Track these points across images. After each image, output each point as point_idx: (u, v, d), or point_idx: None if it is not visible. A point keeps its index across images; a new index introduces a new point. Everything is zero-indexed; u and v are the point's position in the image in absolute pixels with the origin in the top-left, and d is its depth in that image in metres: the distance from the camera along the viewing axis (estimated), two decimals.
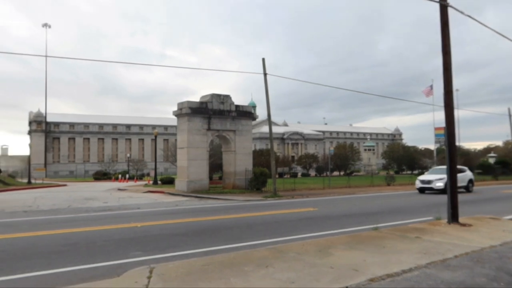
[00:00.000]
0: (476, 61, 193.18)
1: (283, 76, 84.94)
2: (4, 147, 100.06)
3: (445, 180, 17.36)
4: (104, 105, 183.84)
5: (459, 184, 18.40)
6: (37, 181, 47.71)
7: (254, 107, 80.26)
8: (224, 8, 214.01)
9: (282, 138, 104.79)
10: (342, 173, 67.88)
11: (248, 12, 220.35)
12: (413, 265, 6.23)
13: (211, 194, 24.14)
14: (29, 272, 6.62)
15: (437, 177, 24.09)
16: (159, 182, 37.57)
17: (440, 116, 78.00)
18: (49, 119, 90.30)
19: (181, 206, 18.19)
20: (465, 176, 25.80)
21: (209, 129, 26.77)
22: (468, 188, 25.77)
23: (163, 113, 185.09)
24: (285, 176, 46.86)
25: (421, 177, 25.82)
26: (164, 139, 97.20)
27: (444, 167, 21.15)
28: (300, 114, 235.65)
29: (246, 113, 28.89)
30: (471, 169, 57.53)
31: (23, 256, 7.83)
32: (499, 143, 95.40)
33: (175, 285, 5.29)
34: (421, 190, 24.95)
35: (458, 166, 20.29)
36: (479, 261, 6.60)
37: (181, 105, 26.85)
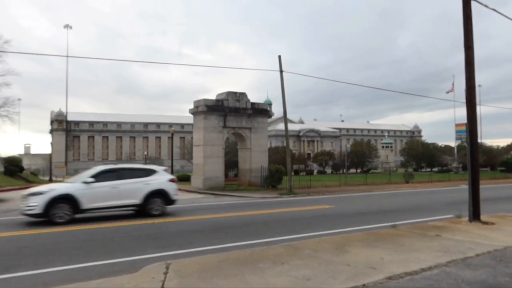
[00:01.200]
0: (500, 56, 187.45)
1: (299, 73, 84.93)
2: (27, 145, 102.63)
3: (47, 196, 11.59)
4: (122, 104, 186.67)
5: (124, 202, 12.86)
6: (58, 179, 48.73)
7: (270, 104, 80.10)
8: (240, 7, 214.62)
9: (298, 136, 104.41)
10: (359, 170, 67.20)
11: (264, 10, 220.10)
12: (432, 264, 6.09)
13: (226, 191, 24.21)
14: (51, 267, 6.76)
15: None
16: None
17: (461, 113, 76.36)
18: (69, 118, 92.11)
19: (197, 203, 18.30)
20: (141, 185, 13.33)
21: (224, 126, 26.83)
22: (148, 210, 13.24)
23: (180, 111, 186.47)
24: (301, 174, 46.65)
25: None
26: (181, 137, 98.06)
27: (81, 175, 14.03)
28: (316, 112, 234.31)
29: (261, 111, 28.84)
30: (493, 167, 55.79)
31: (45, 252, 8.00)
32: None
33: (191, 281, 5.30)
34: None
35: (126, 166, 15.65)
36: (502, 260, 6.41)
37: (197, 103, 26.98)
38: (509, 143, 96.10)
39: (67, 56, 49.55)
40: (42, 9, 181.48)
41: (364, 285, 5.08)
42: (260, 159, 27.89)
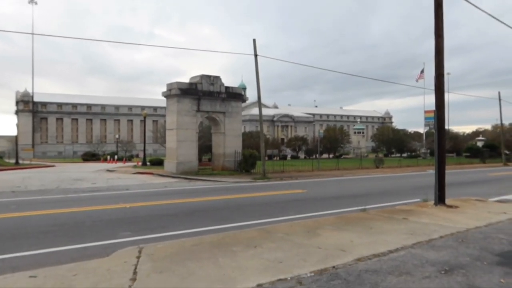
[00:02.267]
0: (469, 45, 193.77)
1: (274, 58, 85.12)
2: None
3: None
4: (92, 85, 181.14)
5: None
6: (25, 162, 47.11)
7: (244, 89, 79.81)
8: None
9: (272, 121, 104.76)
10: (331, 155, 68.35)
11: None
12: (399, 246, 6.35)
13: (200, 175, 24.15)
14: (18, 252, 6.60)
15: None
16: (148, 163, 37.41)
17: (430, 100, 78.52)
18: (36, 99, 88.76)
19: (170, 188, 18.19)
20: None
21: (198, 110, 26.58)
22: None
23: (152, 94, 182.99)
24: (275, 159, 47.00)
25: None
26: (154, 120, 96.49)
27: None
28: (291, 97, 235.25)
29: (236, 95, 28.70)
30: (459, 153, 58.22)
31: (11, 237, 7.79)
32: (488, 127, 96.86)
33: (164, 265, 5.32)
34: None
35: None
36: (463, 241, 6.75)
37: (170, 86, 26.54)
38: (474, 129, 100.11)
39: (32, 34, 47.26)
40: None
41: (334, 266, 5.24)
42: (234, 143, 27.89)
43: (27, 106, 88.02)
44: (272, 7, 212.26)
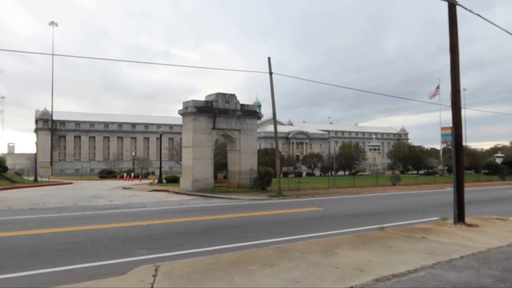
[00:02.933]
0: (485, 60, 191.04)
1: (289, 75, 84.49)
2: (10, 145, 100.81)
3: None
4: (109, 104, 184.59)
5: None
6: (43, 179, 48.02)
7: (259, 106, 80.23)
8: (227, 6, 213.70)
9: (287, 138, 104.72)
10: (347, 172, 67.70)
11: (252, 10, 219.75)
12: (418, 266, 6.20)
13: (216, 193, 24.18)
14: (36, 269, 6.68)
15: None
16: (164, 181, 37.69)
17: (447, 116, 77.42)
18: (55, 117, 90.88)
19: (186, 205, 18.24)
20: None
21: (214, 128, 26.80)
22: None
23: (168, 112, 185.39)
24: (290, 176, 46.77)
25: None
26: (169, 138, 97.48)
27: None
28: (305, 113, 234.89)
29: (251, 112, 28.89)
30: (477, 169, 57.17)
31: (30, 254, 7.90)
32: (507, 143, 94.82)
33: (180, 284, 5.30)
34: None
35: None
36: (485, 262, 6.56)
37: (186, 104, 26.90)
38: (492, 146, 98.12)
39: (53, 54, 48.64)
40: (25, 5, 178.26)
41: (352, 287, 5.15)
42: (249, 161, 27.92)
43: (46, 124, 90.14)
44: (285, 26, 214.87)
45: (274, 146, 28.87)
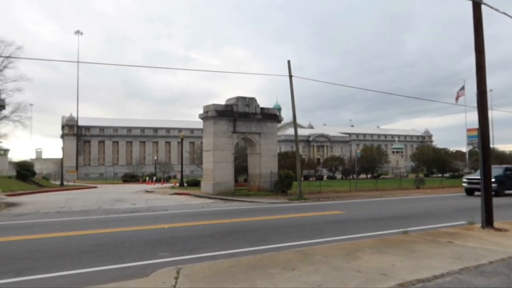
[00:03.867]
0: None
1: (308, 78, 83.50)
2: (38, 150, 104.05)
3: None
4: (131, 109, 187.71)
5: None
6: (69, 183, 49.27)
7: (279, 109, 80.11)
8: (245, 10, 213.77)
9: (307, 141, 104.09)
10: (369, 176, 66.67)
11: (270, 13, 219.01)
12: (445, 271, 6.02)
13: (236, 196, 24.22)
14: (61, 271, 6.83)
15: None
16: (185, 184, 38.05)
17: (472, 117, 75.35)
18: (80, 123, 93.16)
19: (207, 208, 18.34)
20: None
21: (234, 131, 26.91)
22: None
23: (188, 116, 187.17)
24: (311, 179, 46.47)
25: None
26: (190, 142, 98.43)
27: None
28: (325, 116, 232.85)
29: (271, 116, 28.87)
30: None
31: (56, 256, 8.09)
32: None
33: (201, 286, 5.32)
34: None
35: None
36: None
37: (207, 108, 27.13)
38: None
39: (78, 62, 50.10)
40: (48, 13, 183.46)
41: None
42: (269, 164, 27.88)
43: (72, 130, 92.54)
44: (302, 29, 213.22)
45: (294, 149, 28.75)
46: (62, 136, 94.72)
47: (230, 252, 8.15)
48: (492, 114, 72.35)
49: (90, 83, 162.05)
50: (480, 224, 10.28)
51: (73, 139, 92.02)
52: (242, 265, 6.39)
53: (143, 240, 9.77)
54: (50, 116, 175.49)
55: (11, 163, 52.82)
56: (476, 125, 10.75)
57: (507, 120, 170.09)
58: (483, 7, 10.59)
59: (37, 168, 57.44)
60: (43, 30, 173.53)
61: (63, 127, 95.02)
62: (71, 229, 11.74)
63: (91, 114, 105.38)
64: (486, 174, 10.45)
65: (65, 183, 48.26)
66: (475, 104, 10.69)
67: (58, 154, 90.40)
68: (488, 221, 10.15)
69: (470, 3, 10.60)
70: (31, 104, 66.36)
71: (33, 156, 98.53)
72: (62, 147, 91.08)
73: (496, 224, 10.31)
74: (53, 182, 52.57)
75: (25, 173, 40.57)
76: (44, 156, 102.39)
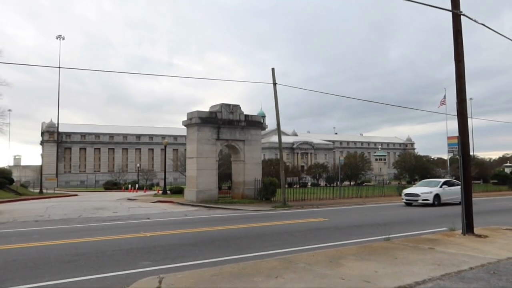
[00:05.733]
0: (492, 68, 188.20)
1: (293, 86, 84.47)
2: (17, 157, 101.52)
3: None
4: (113, 115, 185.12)
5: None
6: (49, 191, 48.15)
7: (263, 116, 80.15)
8: (227, 15, 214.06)
9: (291, 148, 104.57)
10: (352, 183, 67.27)
11: (252, 19, 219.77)
12: (426, 277, 6.08)
13: (220, 204, 24.07)
14: (39, 282, 6.63)
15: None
16: (168, 192, 37.64)
17: (453, 125, 77.01)
18: (61, 129, 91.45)
19: (190, 216, 18.15)
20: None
21: (218, 138, 26.82)
22: None
23: (172, 123, 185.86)
24: (295, 186, 46.49)
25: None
26: (174, 149, 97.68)
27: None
28: (309, 124, 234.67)
29: (255, 123, 28.91)
30: (486, 179, 56.23)
31: (34, 266, 7.85)
32: None
33: None
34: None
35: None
36: (495, 273, 6.42)
37: (190, 115, 26.99)
38: (501, 155, 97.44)
39: (59, 67, 49.09)
40: (27, 17, 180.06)
41: None
42: (253, 171, 27.85)
43: (52, 136, 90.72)
44: (286, 36, 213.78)
45: (278, 156, 28.79)
46: (42, 143, 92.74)
47: (213, 261, 8.06)
48: (472, 122, 74.18)
49: (71, 88, 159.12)
50: (461, 231, 10.44)
51: (53, 145, 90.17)
52: (226, 274, 6.31)
53: (124, 249, 9.58)
54: (29, 122, 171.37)
55: None
56: (457, 133, 10.96)
57: (487, 129, 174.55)
58: (462, 17, 10.87)
59: (15, 175, 56.00)
60: (21, 34, 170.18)
61: (42, 133, 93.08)
62: (50, 238, 11.43)
63: (72, 121, 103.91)
64: (466, 181, 10.64)
65: (44, 191, 47.14)
66: (456, 112, 10.92)
67: (38, 161, 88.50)
68: (468, 228, 10.32)
69: (451, 12, 10.86)
70: (9, 110, 64.96)
71: (11, 163, 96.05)
72: (42, 154, 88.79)
73: (476, 230, 10.50)
74: (32, 190, 51.31)
75: (2, 180, 39.43)
76: (22, 163, 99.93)
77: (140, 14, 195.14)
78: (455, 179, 27.20)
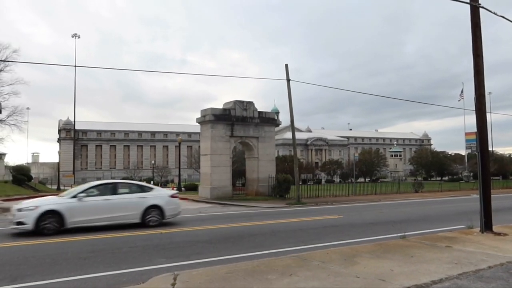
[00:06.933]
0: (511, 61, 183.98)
1: (306, 82, 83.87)
2: (35, 154, 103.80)
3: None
4: (127, 112, 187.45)
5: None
6: (66, 188, 49.02)
7: (277, 113, 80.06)
8: (240, 11, 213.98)
9: (305, 144, 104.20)
10: (367, 179, 66.75)
11: (265, 15, 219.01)
12: (443, 276, 5.98)
13: (234, 201, 24.14)
14: (57, 278, 6.76)
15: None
16: (183, 188, 37.94)
17: (471, 120, 75.55)
18: (77, 127, 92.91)
19: (205, 213, 18.25)
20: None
21: (232, 135, 26.86)
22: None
23: (185, 120, 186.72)
24: (309, 183, 46.39)
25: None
26: (188, 146, 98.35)
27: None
28: (323, 120, 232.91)
29: (269, 120, 28.85)
30: (505, 175, 54.57)
31: (52, 262, 8.00)
32: None
33: None
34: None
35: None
36: None
37: (204, 112, 27.08)
38: None
39: (75, 66, 49.84)
40: (42, 15, 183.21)
41: None
42: (267, 168, 27.82)
43: (69, 134, 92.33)
44: (299, 31, 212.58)
45: (292, 153, 28.72)
46: (59, 140, 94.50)
47: (227, 258, 8.10)
48: (491, 117, 72.50)
49: (86, 86, 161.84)
50: (479, 228, 10.24)
51: (70, 143, 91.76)
52: (240, 271, 6.32)
53: (139, 246, 9.69)
54: (47, 119, 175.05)
55: (7, 167, 52.51)
56: (475, 128, 10.73)
57: (506, 123, 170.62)
58: (481, 10, 10.60)
59: (33, 172, 57.20)
60: (37, 32, 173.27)
61: (59, 131, 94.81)
62: (67, 235, 11.62)
63: (87, 118, 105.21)
64: (485, 177, 10.42)
65: (61, 187, 48.04)
66: (474, 107, 10.68)
67: (55, 158, 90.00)
68: (487, 225, 10.11)
69: (469, 5, 10.61)
70: (27, 108, 66.31)
71: (30, 161, 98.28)
72: (59, 151, 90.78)
73: (495, 228, 10.28)
74: (49, 186, 52.37)
75: (21, 177, 40.35)
76: (40, 160, 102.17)
77: (153, 11, 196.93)
78: (473, 175, 25.70)
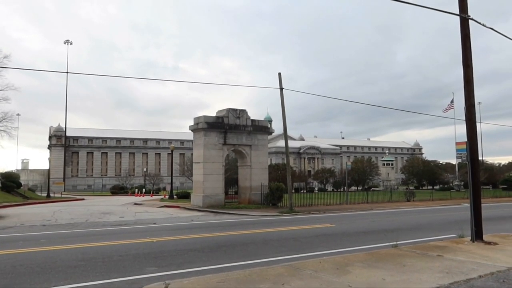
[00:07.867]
0: (501, 71, 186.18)
1: (299, 91, 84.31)
2: (24, 161, 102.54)
3: None
4: (119, 119, 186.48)
5: None
6: (56, 195, 48.47)
7: (270, 121, 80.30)
8: (235, 20, 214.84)
9: (298, 153, 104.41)
10: (360, 188, 66.97)
11: (257, 23, 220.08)
12: (434, 285, 6.00)
13: (226, 209, 24.04)
14: (46, 286, 6.64)
15: None
16: (175, 196, 37.70)
17: (462, 129, 76.26)
18: (68, 134, 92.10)
19: (197, 221, 18.14)
20: None
21: (225, 143, 26.84)
22: None
23: (178, 127, 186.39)
24: (302, 191, 46.42)
25: None
26: (180, 154, 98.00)
27: None
28: (316, 128, 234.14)
29: (262, 128, 28.90)
30: (495, 185, 55.42)
31: (41, 271, 7.87)
32: None
33: None
34: None
35: None
36: (505, 281, 6.31)
37: (197, 120, 27.05)
38: (510, 160, 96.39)
39: (67, 72, 49.41)
40: (32, 21, 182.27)
41: None
42: (260, 176, 27.79)
43: (60, 140, 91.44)
44: (292, 39, 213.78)
45: (285, 161, 28.73)
46: (49, 147, 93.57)
47: (219, 267, 8.03)
48: (481, 127, 73.34)
49: (77, 92, 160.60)
50: (469, 238, 10.30)
51: (61, 149, 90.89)
52: (232, 280, 6.28)
53: (131, 255, 9.58)
54: (37, 126, 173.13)
55: None
56: (465, 138, 10.85)
57: (496, 133, 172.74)
58: (470, 21, 10.78)
59: (23, 179, 56.48)
60: (27, 38, 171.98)
61: (50, 137, 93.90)
62: (57, 243, 11.48)
63: (79, 125, 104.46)
64: (475, 186, 10.51)
65: (51, 195, 47.47)
66: (464, 117, 10.81)
67: (45, 165, 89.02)
68: (477, 235, 10.17)
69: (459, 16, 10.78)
70: (17, 114, 65.68)
71: (19, 167, 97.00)
72: (49, 158, 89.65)
73: (485, 237, 10.35)
74: (39, 194, 51.66)
75: (10, 184, 39.78)
76: (30, 167, 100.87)
77: (145, 18, 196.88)
78: (464, 184, 26.18)
